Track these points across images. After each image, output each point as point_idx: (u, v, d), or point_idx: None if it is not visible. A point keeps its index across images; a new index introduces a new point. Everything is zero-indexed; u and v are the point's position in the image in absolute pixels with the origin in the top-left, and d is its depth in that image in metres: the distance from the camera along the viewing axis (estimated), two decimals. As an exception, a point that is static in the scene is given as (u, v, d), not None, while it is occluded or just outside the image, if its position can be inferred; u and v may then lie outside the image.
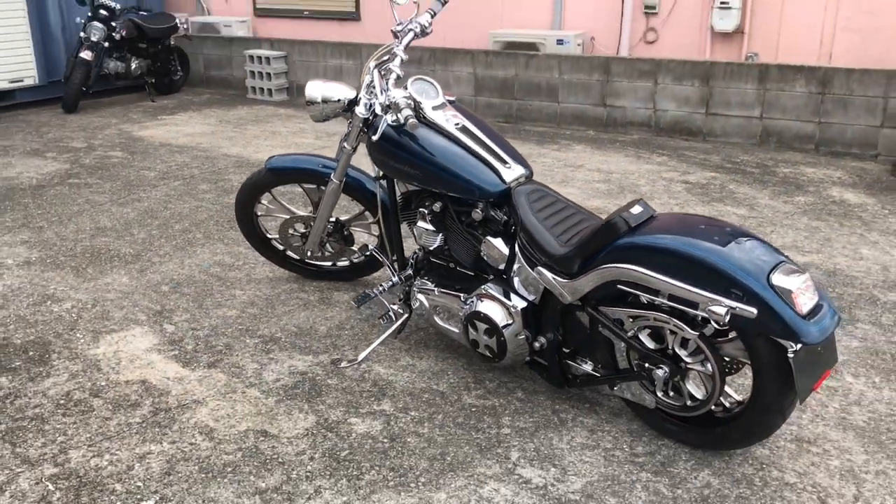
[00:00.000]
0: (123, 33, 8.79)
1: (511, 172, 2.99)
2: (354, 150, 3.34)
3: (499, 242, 2.98)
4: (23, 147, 7.02)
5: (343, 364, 3.30)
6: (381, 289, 3.41)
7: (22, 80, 8.80)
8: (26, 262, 4.36)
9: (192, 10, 10.55)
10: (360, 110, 3.17)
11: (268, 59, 9.33)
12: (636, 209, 2.67)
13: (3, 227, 4.92)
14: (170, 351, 3.42)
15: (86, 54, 8.47)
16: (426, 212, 3.15)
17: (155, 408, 3.00)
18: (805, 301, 2.39)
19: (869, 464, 2.72)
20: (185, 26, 9.63)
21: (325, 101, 3.32)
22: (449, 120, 3.07)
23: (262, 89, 9.47)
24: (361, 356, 3.34)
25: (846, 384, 3.21)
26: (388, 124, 3.07)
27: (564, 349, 2.96)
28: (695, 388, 2.67)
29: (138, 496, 2.51)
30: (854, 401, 3.09)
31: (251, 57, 9.44)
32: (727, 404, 2.75)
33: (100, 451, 2.74)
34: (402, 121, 2.96)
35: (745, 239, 2.52)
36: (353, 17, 9.42)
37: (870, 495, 2.57)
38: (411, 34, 3.26)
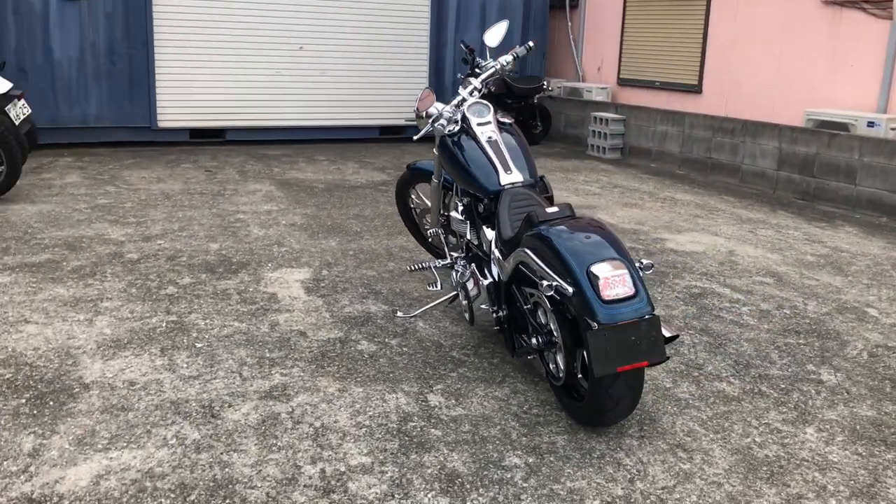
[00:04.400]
0: (492, 89, 10.55)
1: (509, 177, 3.71)
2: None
3: (490, 231, 3.73)
4: (377, 164, 9.12)
5: (399, 314, 4.28)
6: (435, 264, 4.31)
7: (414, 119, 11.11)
8: (291, 225, 6.11)
9: (571, 76, 12.03)
10: (439, 122, 4.15)
11: (607, 120, 10.36)
12: (551, 209, 3.25)
13: (305, 205, 6.80)
14: (309, 284, 4.75)
15: (457, 102, 10.44)
16: (459, 204, 4.00)
17: (262, 307, 4.34)
18: (611, 289, 2.80)
19: (717, 476, 2.89)
20: (549, 88, 11.13)
21: (428, 116, 4.35)
22: (484, 133, 3.90)
23: (599, 147, 10.53)
24: (414, 312, 4.28)
25: (800, 432, 3.24)
26: (445, 134, 4.02)
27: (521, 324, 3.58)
28: (561, 361, 3.15)
29: (200, 336, 3.85)
30: (783, 443, 3.15)
31: (595, 118, 10.58)
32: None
33: (205, 316, 4.16)
34: (443, 129, 3.90)
35: (604, 241, 2.98)
36: (695, 89, 9.97)
37: (682, 489, 2.79)
38: (492, 69, 4.15)
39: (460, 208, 4.01)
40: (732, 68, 9.34)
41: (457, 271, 4.04)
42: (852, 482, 2.89)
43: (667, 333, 3.09)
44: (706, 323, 4.38)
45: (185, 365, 3.58)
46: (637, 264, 3.00)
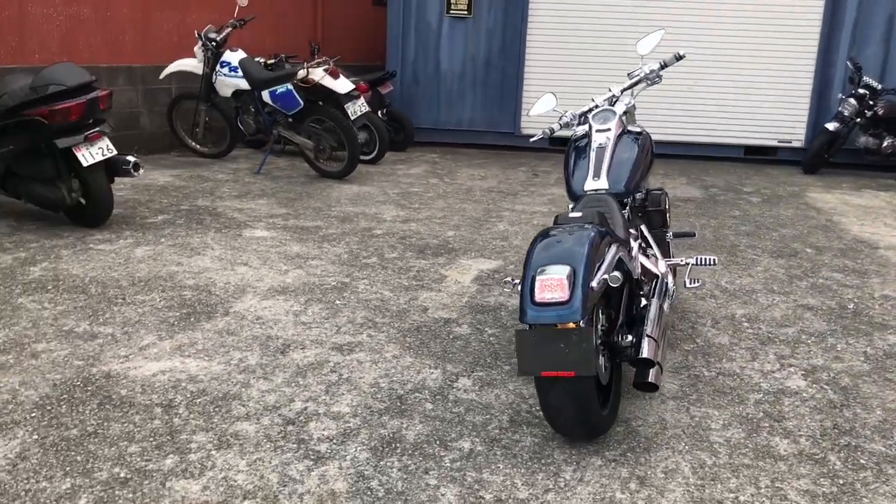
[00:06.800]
0: (880, 112, 9.35)
1: (593, 184, 3.68)
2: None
3: (574, 233, 3.74)
4: (704, 181, 8.80)
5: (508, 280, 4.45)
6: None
7: (790, 142, 10.34)
8: (537, 225, 6.45)
9: None
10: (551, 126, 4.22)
11: None
12: (574, 214, 3.23)
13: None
14: (483, 273, 5.10)
15: (830, 125, 9.45)
16: (571, 206, 4.03)
17: (422, 285, 4.84)
18: (544, 293, 2.77)
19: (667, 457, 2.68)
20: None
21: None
22: (597, 140, 3.89)
23: None
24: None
25: (808, 507, 2.76)
26: (571, 139, 4.08)
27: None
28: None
29: (346, 297, 4.53)
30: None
31: None
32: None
33: (371, 283, 4.81)
34: (551, 132, 4.01)
35: (574, 248, 2.91)
36: None
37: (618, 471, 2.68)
38: (636, 78, 4.07)
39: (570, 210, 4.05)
40: None
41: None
42: (801, 569, 2.43)
43: (646, 355, 2.93)
44: (859, 383, 3.71)
45: (310, 314, 4.30)
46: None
